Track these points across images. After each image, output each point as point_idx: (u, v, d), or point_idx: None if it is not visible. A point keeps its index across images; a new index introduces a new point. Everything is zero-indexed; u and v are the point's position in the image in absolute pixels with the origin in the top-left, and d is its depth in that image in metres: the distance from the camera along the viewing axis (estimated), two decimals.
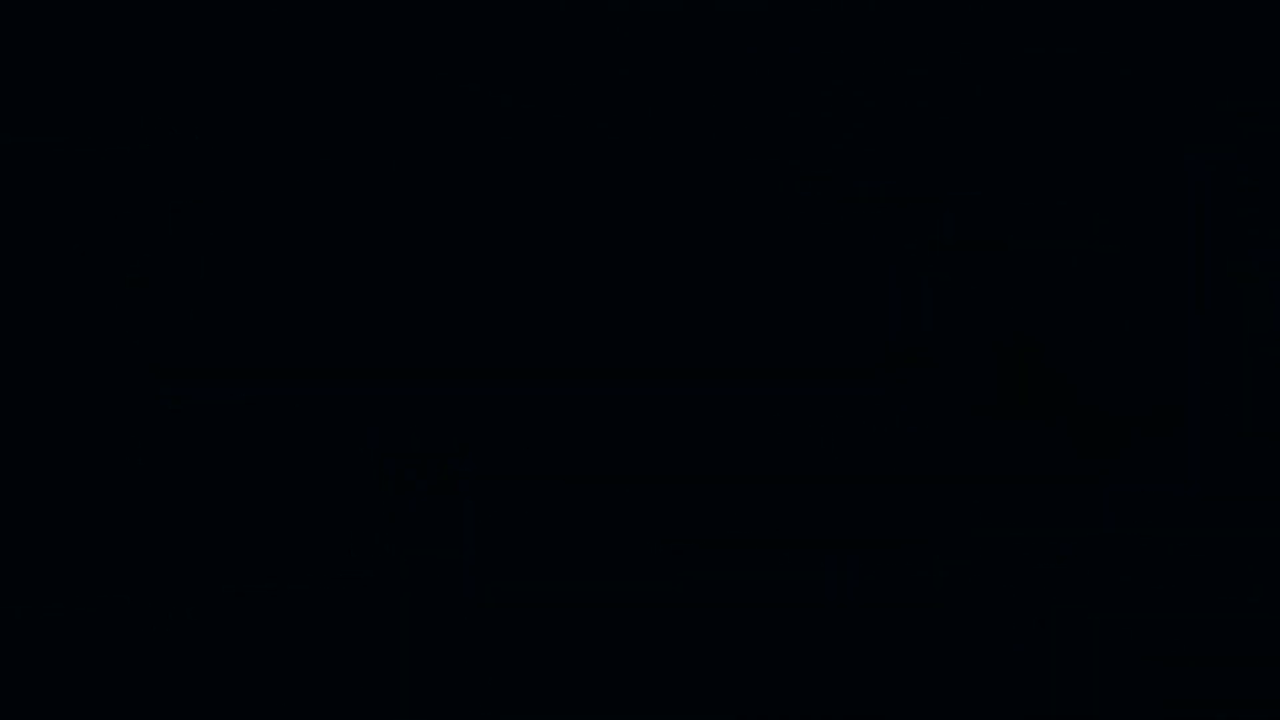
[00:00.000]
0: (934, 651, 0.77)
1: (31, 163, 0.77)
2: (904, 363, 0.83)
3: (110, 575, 0.75)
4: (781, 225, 0.82)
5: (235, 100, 0.79)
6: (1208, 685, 0.75)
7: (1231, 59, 0.87)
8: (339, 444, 0.78)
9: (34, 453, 0.76)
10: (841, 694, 0.75)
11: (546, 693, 0.74)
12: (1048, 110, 0.87)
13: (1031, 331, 0.84)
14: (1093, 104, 0.87)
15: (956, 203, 0.85)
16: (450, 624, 0.75)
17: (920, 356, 0.83)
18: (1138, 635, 0.77)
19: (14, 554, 0.75)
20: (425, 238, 0.80)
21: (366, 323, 0.79)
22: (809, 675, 0.75)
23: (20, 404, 0.77)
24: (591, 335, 0.81)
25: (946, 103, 0.86)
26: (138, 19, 0.78)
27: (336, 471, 0.78)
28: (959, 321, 0.84)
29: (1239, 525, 0.81)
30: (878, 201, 0.83)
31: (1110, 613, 0.78)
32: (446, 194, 0.80)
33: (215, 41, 0.79)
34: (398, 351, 0.79)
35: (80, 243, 0.78)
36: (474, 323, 0.79)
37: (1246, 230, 0.87)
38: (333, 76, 0.80)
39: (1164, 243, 0.87)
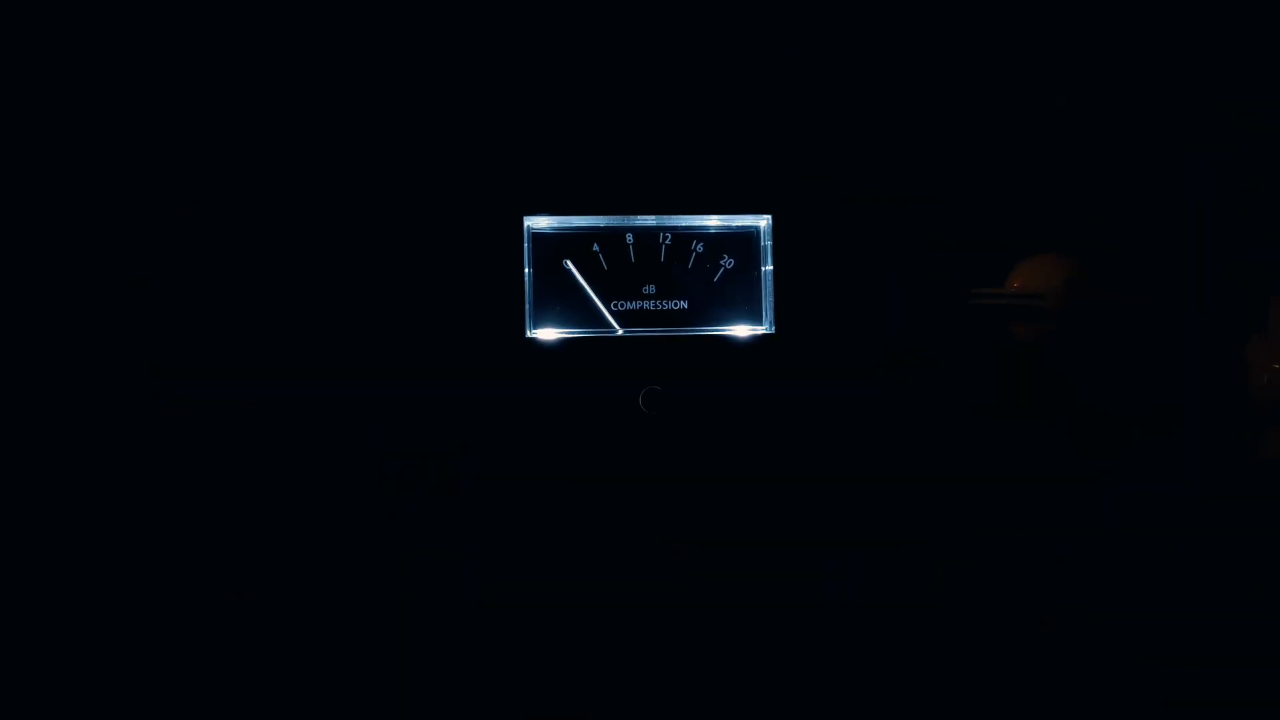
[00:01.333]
0: (934, 651, 0.77)
1: (31, 163, 0.77)
2: (904, 363, 0.83)
3: (110, 575, 0.75)
4: (781, 225, 0.82)
5: (235, 100, 0.79)
6: (1208, 685, 0.75)
7: (1231, 59, 0.87)
8: (339, 444, 0.78)
9: (33, 452, 0.76)
10: (841, 694, 0.75)
11: (546, 693, 0.74)
12: (1048, 110, 0.87)
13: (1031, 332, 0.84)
14: (1093, 104, 0.87)
15: (956, 203, 0.85)
16: (450, 624, 0.75)
17: (920, 356, 0.83)
18: (1138, 635, 0.77)
19: (14, 554, 0.75)
20: (425, 237, 0.80)
21: (366, 323, 0.79)
22: (809, 675, 0.75)
23: (20, 404, 0.77)
24: (591, 335, 0.81)
25: (946, 103, 0.86)
26: (138, 19, 0.78)
27: (336, 471, 0.78)
28: (959, 321, 0.84)
29: (1239, 525, 0.81)
30: (878, 201, 0.84)
31: (1110, 613, 0.78)
32: (446, 194, 0.80)
33: (215, 41, 0.79)
34: (398, 351, 0.79)
35: (80, 243, 0.78)
36: (475, 322, 0.79)
37: (1246, 230, 0.87)
38: (333, 76, 0.80)
39: (1164, 243, 0.87)
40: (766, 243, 0.82)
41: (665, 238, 0.81)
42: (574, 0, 0.82)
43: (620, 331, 0.81)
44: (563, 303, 0.80)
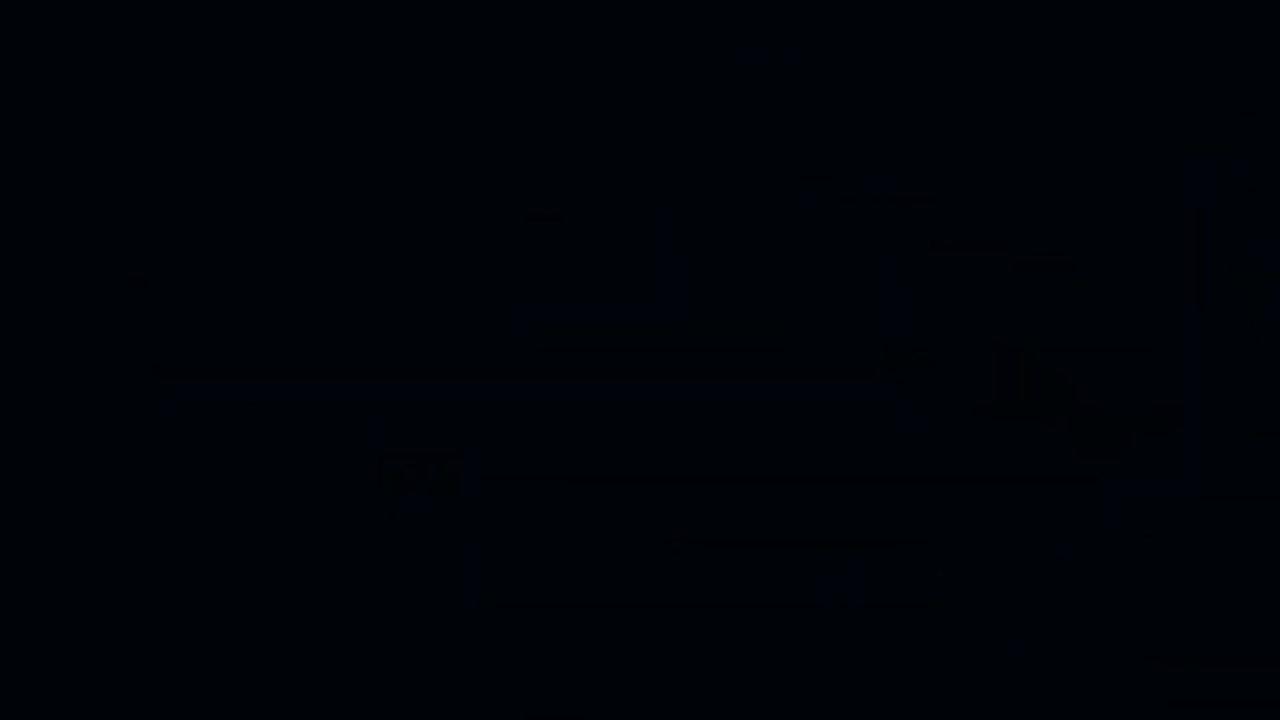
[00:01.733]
0: (934, 651, 0.77)
1: (31, 163, 0.77)
2: (904, 363, 0.83)
3: (110, 575, 0.75)
4: (782, 225, 0.82)
5: (235, 100, 0.79)
6: (1208, 685, 0.75)
7: (1231, 59, 0.87)
8: (339, 444, 0.78)
9: (34, 452, 0.76)
10: (842, 694, 0.75)
11: (546, 693, 0.74)
12: (1048, 110, 0.87)
13: (1031, 331, 0.84)
14: (1093, 104, 0.87)
15: (956, 203, 0.85)
16: (450, 624, 0.75)
17: (920, 356, 0.83)
18: (1138, 635, 0.77)
19: (14, 554, 0.75)
20: (425, 237, 0.80)
21: (366, 323, 0.79)
22: (809, 675, 0.75)
23: (20, 404, 0.77)
24: (591, 335, 0.81)
25: (946, 103, 0.86)
26: (138, 19, 0.78)
27: (336, 471, 0.78)
28: (959, 321, 0.84)
29: (1239, 525, 0.81)
30: (878, 201, 0.84)
31: (1110, 613, 0.78)
32: (446, 194, 0.80)
33: (215, 41, 0.79)
34: (398, 351, 0.79)
35: (80, 243, 0.78)
36: (474, 322, 0.79)
37: (1246, 230, 0.87)
38: (333, 76, 0.80)
39: (1164, 243, 0.87)
40: None
41: None
42: (574, 0, 0.82)
43: None
44: None
